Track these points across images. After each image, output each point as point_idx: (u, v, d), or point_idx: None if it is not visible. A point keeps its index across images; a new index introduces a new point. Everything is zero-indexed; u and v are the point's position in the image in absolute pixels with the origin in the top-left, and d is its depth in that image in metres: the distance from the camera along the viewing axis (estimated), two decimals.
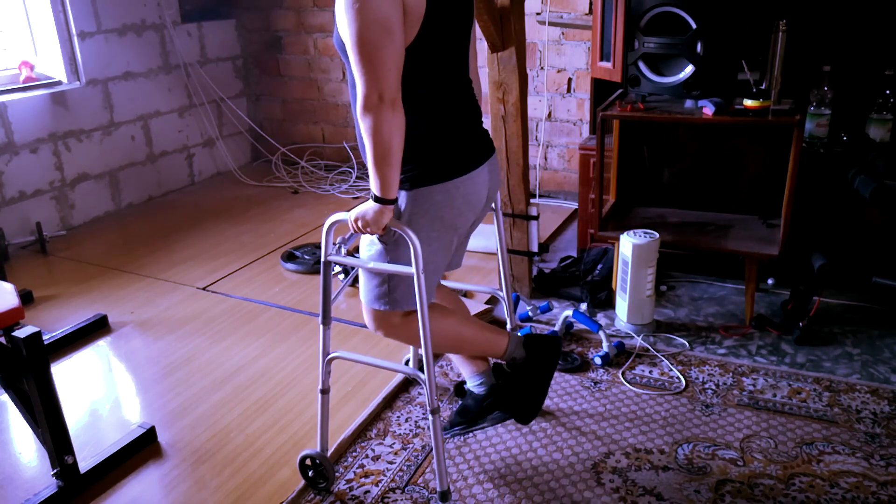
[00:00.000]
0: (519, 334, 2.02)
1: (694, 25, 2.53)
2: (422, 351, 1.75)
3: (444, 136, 1.72)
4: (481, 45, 2.65)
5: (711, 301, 3.00)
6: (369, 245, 1.81)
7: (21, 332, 1.86)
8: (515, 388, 1.96)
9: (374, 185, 1.59)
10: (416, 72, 1.62)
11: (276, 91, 5.22)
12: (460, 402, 2.15)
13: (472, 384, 2.05)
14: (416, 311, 1.81)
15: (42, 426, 1.96)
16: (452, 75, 1.76)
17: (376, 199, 1.63)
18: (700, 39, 2.54)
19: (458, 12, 1.72)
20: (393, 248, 1.75)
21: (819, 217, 2.89)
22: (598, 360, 2.54)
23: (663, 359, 2.57)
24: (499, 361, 2.04)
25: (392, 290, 1.80)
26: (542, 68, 4.18)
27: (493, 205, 2.11)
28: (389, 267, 1.75)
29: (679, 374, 2.48)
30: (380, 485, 2.02)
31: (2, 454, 2.25)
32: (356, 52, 1.51)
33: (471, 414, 2.04)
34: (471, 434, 2.19)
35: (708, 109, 2.60)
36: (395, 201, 1.65)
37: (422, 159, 1.68)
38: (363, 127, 1.54)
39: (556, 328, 2.73)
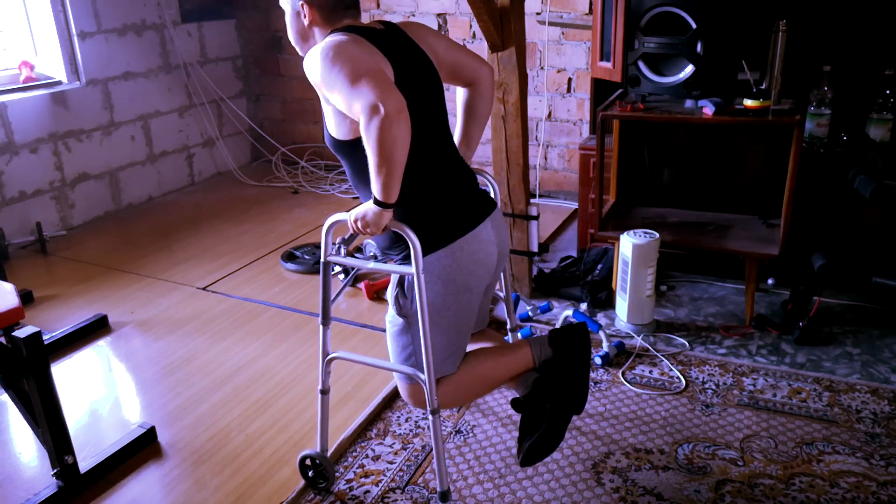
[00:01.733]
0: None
1: (694, 25, 2.53)
2: (422, 351, 1.75)
3: (437, 202, 1.73)
4: (481, 46, 2.65)
5: (711, 301, 3.00)
6: (391, 321, 1.82)
7: (21, 332, 1.86)
8: (555, 377, 1.88)
9: (375, 189, 1.59)
10: None
11: (276, 91, 5.22)
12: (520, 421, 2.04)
13: (522, 394, 1.96)
14: (446, 377, 1.82)
15: (42, 426, 1.96)
16: (433, 143, 1.76)
17: (377, 202, 1.63)
18: (700, 39, 2.54)
19: (426, 80, 1.74)
20: (414, 319, 1.75)
21: (819, 217, 2.89)
22: (598, 360, 2.54)
23: (663, 359, 2.57)
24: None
25: (418, 359, 1.79)
26: (542, 68, 4.18)
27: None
28: (388, 267, 1.75)
29: (679, 374, 2.48)
30: (380, 485, 2.02)
31: (2, 454, 2.25)
32: (346, 90, 1.51)
33: (528, 421, 1.89)
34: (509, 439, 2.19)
35: (708, 109, 2.60)
36: (394, 205, 1.65)
37: (422, 228, 1.68)
38: (367, 138, 1.50)
39: (557, 328, 2.73)
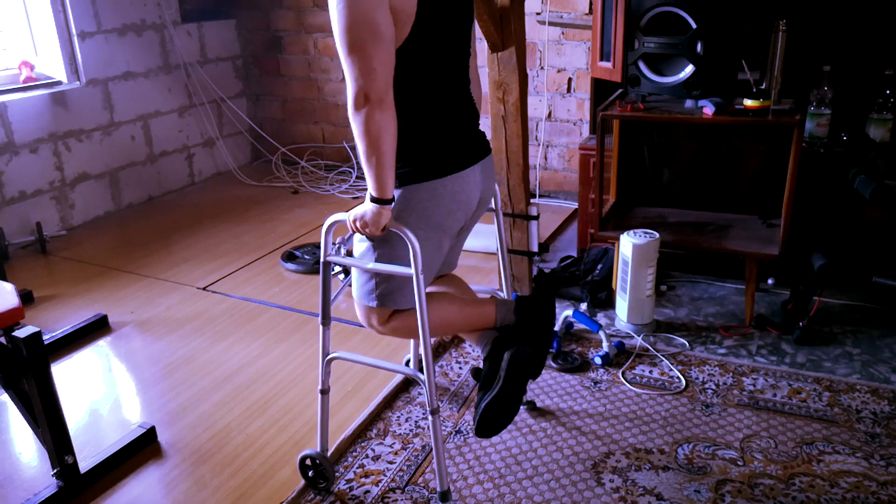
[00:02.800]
0: (508, 297, 1.99)
1: (694, 25, 2.53)
2: (421, 351, 1.75)
3: (434, 136, 1.72)
4: (481, 45, 2.65)
5: (711, 301, 3.00)
6: (359, 241, 1.81)
7: (21, 332, 1.86)
8: (515, 341, 1.87)
9: (369, 184, 1.60)
10: (408, 71, 1.63)
11: (276, 91, 5.22)
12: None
13: (483, 353, 1.96)
14: (405, 310, 1.82)
15: (42, 426, 1.96)
16: (446, 76, 1.75)
17: (374, 200, 1.63)
18: (700, 39, 2.54)
19: (453, 13, 1.72)
20: (381, 244, 1.75)
21: (819, 217, 2.89)
22: (598, 360, 2.54)
23: (663, 359, 2.57)
24: None
25: (379, 285, 1.80)
26: (542, 68, 4.18)
27: (492, 205, 2.10)
28: (387, 267, 1.75)
29: (679, 373, 2.48)
30: (380, 485, 2.02)
31: (2, 454, 2.26)
32: (343, 51, 1.53)
33: (485, 381, 1.88)
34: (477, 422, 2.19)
35: (708, 109, 2.60)
36: (392, 201, 1.65)
37: (410, 157, 1.69)
38: (354, 126, 1.56)
39: (556, 328, 2.73)
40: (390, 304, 1.83)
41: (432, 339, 2.34)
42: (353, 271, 1.86)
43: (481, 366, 1.90)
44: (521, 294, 1.97)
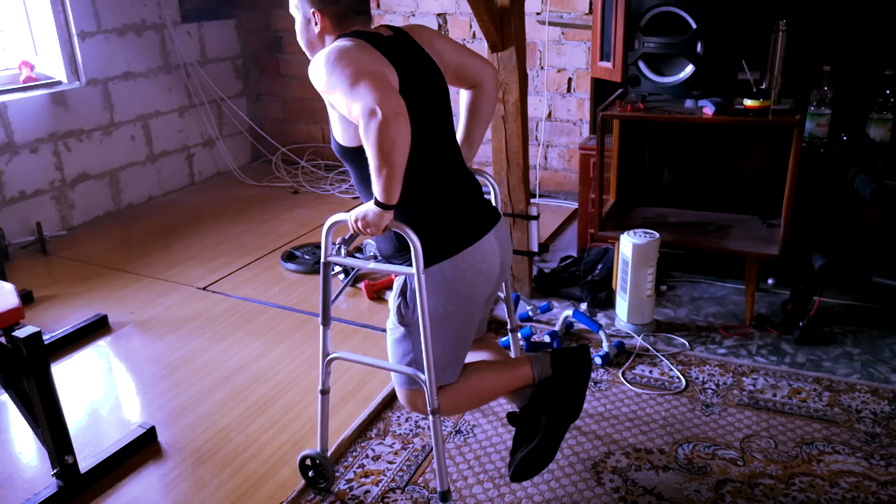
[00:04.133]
0: (545, 337, 1.96)
1: (694, 25, 2.53)
2: (422, 357, 1.75)
3: (441, 213, 1.72)
4: (481, 46, 2.65)
5: (711, 301, 3.00)
6: (392, 330, 1.82)
7: (21, 332, 1.86)
8: (553, 393, 1.86)
9: (376, 190, 1.58)
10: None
11: (276, 91, 5.23)
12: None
13: (518, 406, 1.95)
14: (447, 386, 1.81)
15: (42, 426, 1.96)
16: (438, 150, 1.75)
17: (377, 203, 1.63)
18: (700, 39, 2.54)
19: (431, 86, 1.73)
20: (415, 328, 1.74)
21: (819, 217, 2.89)
22: (598, 360, 2.54)
23: (663, 359, 2.57)
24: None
25: (419, 366, 1.78)
26: (542, 68, 4.18)
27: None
28: (388, 267, 1.75)
29: (679, 373, 2.48)
30: (380, 485, 2.02)
31: (2, 454, 2.26)
32: (346, 93, 1.51)
33: (522, 433, 1.87)
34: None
35: (708, 109, 2.60)
36: (395, 207, 1.64)
37: (425, 240, 1.67)
38: (367, 141, 1.50)
39: (556, 328, 2.73)
40: (437, 381, 1.80)
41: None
42: (391, 355, 1.85)
43: (515, 411, 1.89)
44: (553, 349, 1.94)
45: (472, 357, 1.98)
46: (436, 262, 1.70)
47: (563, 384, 1.84)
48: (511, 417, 1.91)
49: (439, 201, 1.73)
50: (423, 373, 1.75)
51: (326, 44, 1.72)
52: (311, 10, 1.70)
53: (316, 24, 1.70)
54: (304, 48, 1.79)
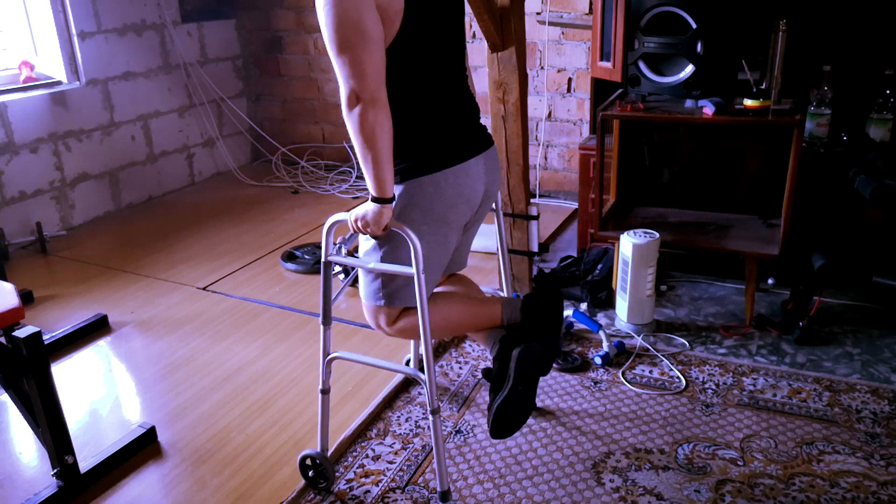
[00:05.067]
0: (515, 296, 1.98)
1: (694, 25, 2.53)
2: (422, 350, 1.75)
3: (434, 130, 1.73)
4: (481, 45, 2.65)
5: (711, 301, 3.00)
6: (364, 240, 1.81)
7: (21, 332, 1.86)
8: (523, 338, 1.86)
9: (369, 184, 1.61)
10: (403, 68, 1.63)
11: (276, 91, 5.22)
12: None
13: (491, 353, 1.95)
14: (412, 309, 1.81)
15: (42, 426, 1.96)
16: (442, 70, 1.75)
17: (374, 199, 1.63)
18: (700, 39, 2.54)
19: (442, 8, 1.72)
20: (386, 242, 1.75)
21: (819, 217, 2.89)
22: (598, 360, 2.54)
23: (663, 359, 2.57)
24: None
25: (385, 284, 1.80)
26: (542, 68, 4.18)
27: (493, 205, 2.10)
28: (390, 267, 1.75)
29: (679, 373, 2.48)
30: (380, 485, 2.02)
31: (2, 454, 2.25)
32: (333, 53, 1.54)
33: (496, 381, 1.86)
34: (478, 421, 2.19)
35: (708, 109, 2.60)
36: (392, 200, 1.65)
37: (411, 153, 1.69)
38: (349, 127, 1.57)
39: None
40: (397, 302, 1.83)
41: (434, 340, 2.33)
42: (360, 272, 1.86)
43: (491, 366, 1.89)
44: (526, 294, 1.96)
45: (445, 289, 2.00)
46: (417, 177, 1.70)
47: (533, 327, 1.84)
48: (485, 372, 1.92)
49: (433, 117, 1.73)
50: (423, 375, 1.75)
51: None
52: None
53: None
54: None
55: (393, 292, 1.81)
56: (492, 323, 1.90)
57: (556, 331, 1.88)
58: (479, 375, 2.50)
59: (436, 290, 1.95)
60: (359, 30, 1.52)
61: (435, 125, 1.73)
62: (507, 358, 1.82)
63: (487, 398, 2.36)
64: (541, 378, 2.43)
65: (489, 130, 1.97)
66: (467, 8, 2.02)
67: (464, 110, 1.83)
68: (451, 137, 1.76)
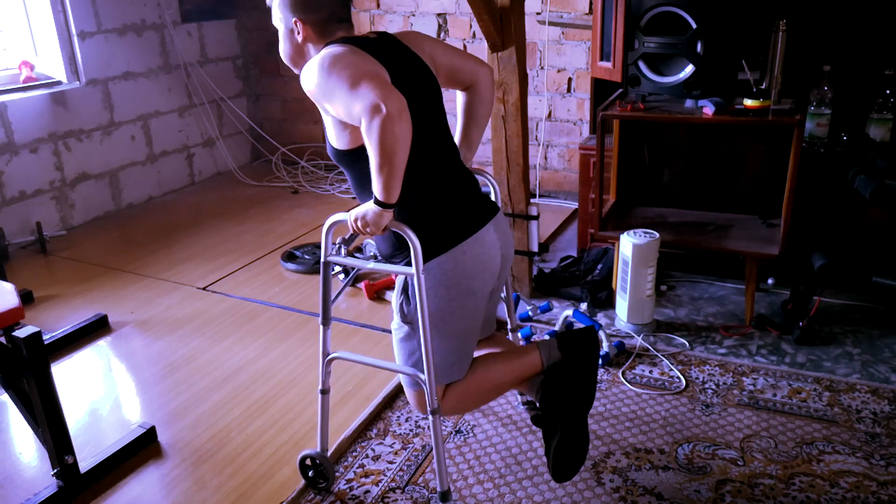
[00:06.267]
0: (546, 336, 1.98)
1: (694, 25, 2.53)
2: (422, 351, 1.75)
3: (440, 207, 1.73)
4: (481, 45, 2.65)
5: (711, 301, 3.00)
6: (396, 329, 1.82)
7: (21, 332, 1.86)
8: (562, 376, 1.85)
9: (376, 189, 1.59)
10: None
11: (276, 91, 5.22)
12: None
13: (537, 401, 1.94)
14: (455, 383, 1.82)
15: (42, 426, 1.96)
16: (435, 148, 1.76)
17: (377, 202, 1.63)
18: (700, 39, 2.54)
19: (423, 85, 1.74)
20: (418, 325, 1.73)
21: (819, 217, 2.89)
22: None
23: (663, 358, 2.57)
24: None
25: (423, 365, 1.78)
26: (542, 68, 4.18)
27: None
28: (388, 267, 1.76)
29: (679, 373, 2.48)
30: (380, 485, 2.02)
31: (2, 454, 2.25)
32: (348, 96, 1.51)
33: (547, 427, 1.85)
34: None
35: (708, 109, 2.60)
36: (395, 206, 1.65)
37: (423, 234, 1.67)
38: (369, 138, 1.50)
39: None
40: (442, 379, 1.81)
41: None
42: (397, 356, 1.86)
43: (540, 413, 1.88)
44: (559, 332, 1.95)
45: (480, 353, 1.98)
46: (434, 257, 1.70)
47: (573, 364, 1.83)
48: (535, 419, 1.90)
49: (436, 197, 1.74)
50: (424, 373, 1.75)
51: (311, 54, 1.72)
52: (293, 19, 1.70)
53: (299, 33, 1.71)
54: (286, 61, 1.79)
55: (435, 370, 1.78)
56: (534, 370, 1.88)
57: (594, 361, 1.85)
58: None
59: (474, 354, 1.94)
60: (360, 68, 1.54)
61: (440, 202, 1.74)
62: (552, 401, 1.81)
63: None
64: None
65: (489, 132, 1.97)
66: (464, 9, 2.02)
67: (464, 183, 1.82)
68: (458, 211, 1.76)
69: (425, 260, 1.69)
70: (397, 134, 1.48)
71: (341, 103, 1.54)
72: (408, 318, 1.78)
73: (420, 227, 1.67)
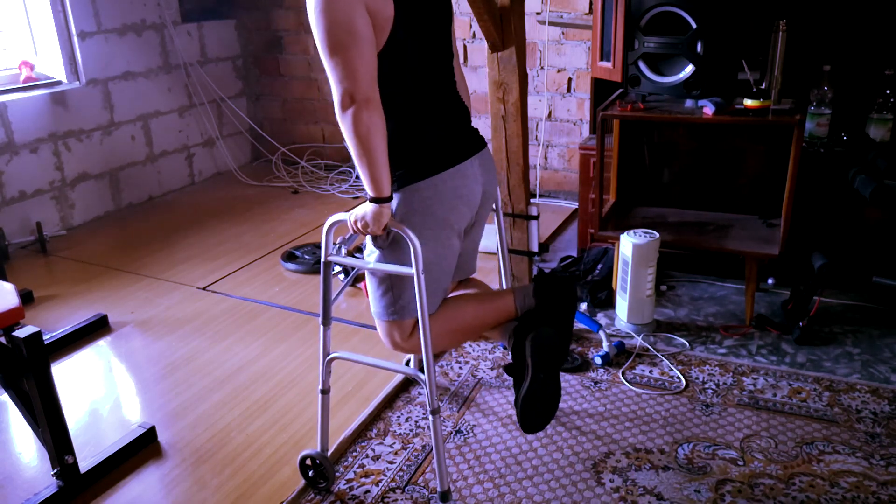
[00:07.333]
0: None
1: (694, 25, 2.53)
2: (405, 295, 1.75)
3: (427, 135, 1.73)
4: (481, 45, 2.65)
5: (711, 301, 3.00)
6: (369, 254, 1.82)
7: (21, 332, 1.86)
8: (536, 322, 1.82)
9: (365, 185, 1.62)
10: (393, 74, 1.64)
11: (276, 91, 5.22)
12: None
13: (508, 346, 1.91)
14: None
15: (42, 426, 1.96)
16: (432, 77, 1.76)
17: (372, 199, 1.64)
18: (700, 39, 2.54)
19: (431, 13, 1.73)
20: (391, 252, 1.75)
21: (819, 217, 2.89)
22: (598, 360, 2.54)
23: (663, 358, 2.57)
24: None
25: (397, 298, 1.80)
26: (542, 68, 4.18)
27: (493, 205, 2.10)
28: (388, 267, 1.75)
29: (679, 373, 2.48)
30: (380, 484, 2.02)
31: (2, 454, 2.26)
32: (325, 55, 1.55)
33: (517, 374, 1.83)
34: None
35: (708, 109, 2.60)
36: (390, 199, 1.66)
37: (406, 159, 1.70)
38: (343, 128, 1.58)
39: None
40: (409, 314, 1.82)
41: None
42: (369, 288, 1.86)
43: (511, 361, 1.86)
44: (535, 277, 1.92)
45: (455, 294, 1.98)
46: (414, 182, 1.71)
47: (547, 312, 1.81)
48: (506, 368, 1.89)
49: (425, 122, 1.74)
50: (423, 375, 1.75)
51: None
52: None
53: None
54: None
55: (404, 305, 1.81)
56: (507, 315, 1.86)
57: (570, 312, 1.83)
58: (480, 375, 2.51)
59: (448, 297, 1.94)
60: (350, 31, 1.53)
61: (427, 130, 1.74)
62: (522, 348, 1.79)
63: (488, 399, 2.37)
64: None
65: (489, 132, 1.97)
66: (464, 9, 2.02)
67: (455, 114, 1.83)
68: (444, 141, 1.76)
69: (405, 184, 1.70)
70: (367, 123, 1.54)
71: (320, 49, 1.56)
72: (378, 242, 1.76)
73: (405, 149, 1.69)
